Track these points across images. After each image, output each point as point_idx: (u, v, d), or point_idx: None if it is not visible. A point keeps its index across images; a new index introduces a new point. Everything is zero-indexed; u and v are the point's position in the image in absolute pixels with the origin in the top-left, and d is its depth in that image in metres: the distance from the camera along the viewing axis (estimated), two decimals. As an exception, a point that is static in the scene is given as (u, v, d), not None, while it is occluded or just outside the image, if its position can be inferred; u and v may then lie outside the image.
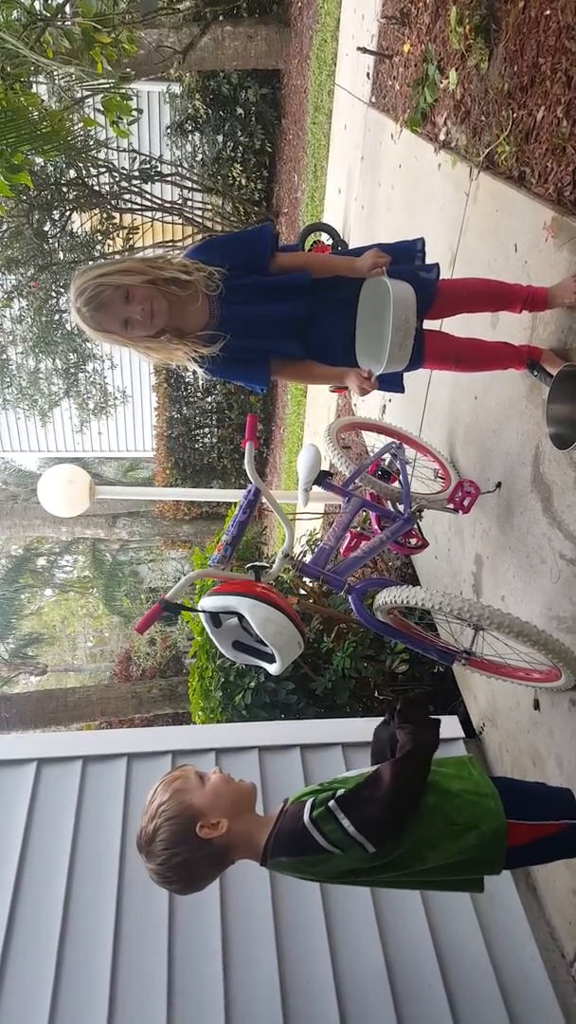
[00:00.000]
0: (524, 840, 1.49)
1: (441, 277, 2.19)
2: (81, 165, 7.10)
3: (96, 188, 7.77)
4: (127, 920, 2.18)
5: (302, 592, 3.66)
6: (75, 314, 1.96)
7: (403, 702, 1.39)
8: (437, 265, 2.19)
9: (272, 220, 8.96)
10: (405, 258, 2.18)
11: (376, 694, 3.34)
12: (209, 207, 8.98)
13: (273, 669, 1.80)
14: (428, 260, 2.23)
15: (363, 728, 2.79)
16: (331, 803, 1.36)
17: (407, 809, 1.38)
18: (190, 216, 8.64)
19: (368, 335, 2.17)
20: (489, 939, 2.16)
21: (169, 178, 8.55)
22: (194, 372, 2.16)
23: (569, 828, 1.54)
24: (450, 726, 2.81)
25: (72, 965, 2.08)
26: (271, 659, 1.78)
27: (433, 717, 1.50)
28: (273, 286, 2.08)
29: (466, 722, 2.89)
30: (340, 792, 1.39)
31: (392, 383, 2.33)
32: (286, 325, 2.12)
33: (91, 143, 6.84)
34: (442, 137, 3.35)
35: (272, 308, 2.08)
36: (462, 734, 2.77)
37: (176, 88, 8.75)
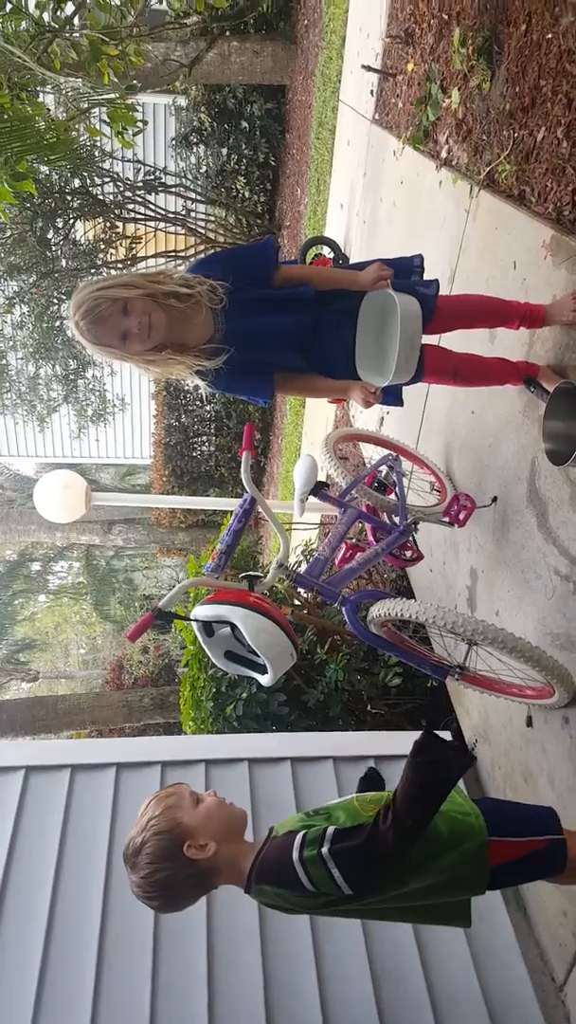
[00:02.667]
0: (507, 858, 1.49)
1: (440, 293, 2.20)
2: (86, 174, 7.14)
3: (100, 197, 7.82)
4: (112, 931, 2.16)
5: (296, 603, 3.66)
6: (74, 329, 1.96)
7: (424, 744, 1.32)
8: (436, 281, 2.20)
9: (275, 233, 9.02)
10: (403, 273, 2.20)
11: (369, 707, 3.33)
12: (212, 219, 9.04)
13: (265, 680, 1.79)
14: (427, 276, 2.25)
15: (355, 742, 2.78)
16: (324, 850, 1.32)
17: (399, 865, 1.36)
18: (193, 227, 8.69)
19: (370, 348, 2.18)
20: (478, 961, 2.14)
21: (173, 189, 8.61)
22: (187, 381, 2.16)
23: (551, 844, 1.53)
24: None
25: (55, 977, 2.06)
26: (263, 670, 1.77)
27: (449, 749, 1.36)
28: (278, 300, 2.09)
29: (458, 737, 2.88)
30: (333, 834, 1.34)
31: (391, 396, 2.34)
32: (291, 338, 2.13)
33: (96, 153, 6.90)
34: (444, 155, 3.39)
35: (277, 321, 2.09)
36: (454, 749, 2.75)
37: (182, 101, 8.83)
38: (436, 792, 1.34)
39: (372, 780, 1.73)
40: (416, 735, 1.39)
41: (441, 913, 1.56)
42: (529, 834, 1.53)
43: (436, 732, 1.36)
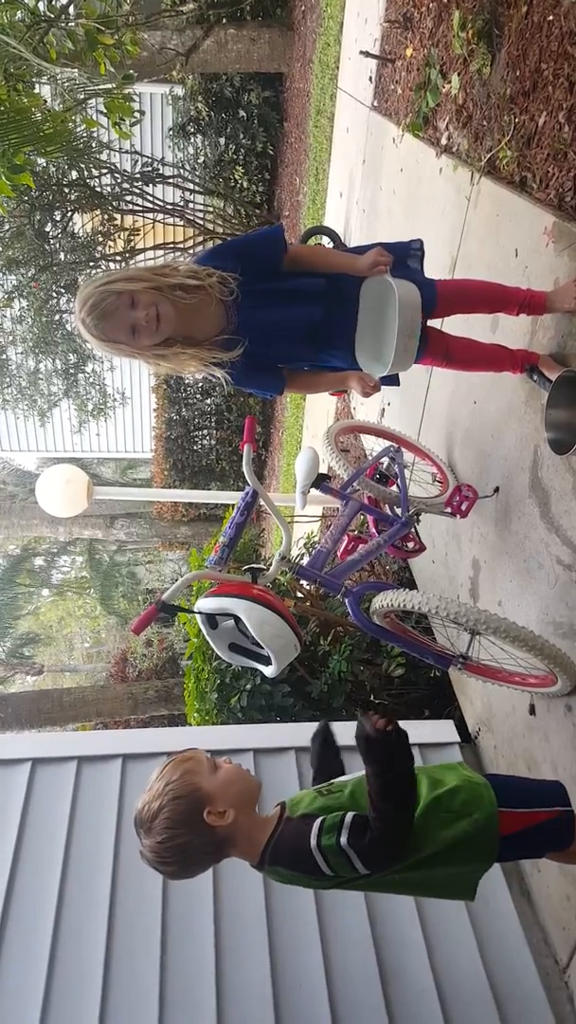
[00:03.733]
0: (516, 828, 1.51)
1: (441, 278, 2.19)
2: (83, 166, 7.10)
3: (98, 189, 7.78)
4: (120, 922, 2.17)
5: (299, 595, 3.66)
6: (81, 328, 1.92)
7: (370, 738, 1.31)
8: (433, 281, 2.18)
9: (274, 222, 8.97)
10: (401, 258, 2.16)
11: (372, 698, 3.34)
12: (211, 209, 8.99)
13: (269, 672, 1.80)
14: (428, 263, 2.23)
15: (359, 731, 2.79)
16: (344, 840, 1.33)
17: (407, 835, 1.37)
18: (191, 218, 8.64)
19: (369, 335, 2.15)
20: (482, 944, 2.16)
21: (171, 180, 8.56)
22: (193, 375, 2.13)
23: (560, 816, 1.55)
24: (446, 731, 2.80)
25: (64, 966, 2.08)
26: (267, 661, 1.78)
27: (390, 737, 1.34)
28: (289, 291, 2.05)
29: (462, 727, 2.88)
30: (352, 822, 1.34)
31: (389, 377, 2.32)
32: (303, 331, 2.10)
33: (93, 144, 6.85)
34: (444, 141, 3.36)
35: (289, 314, 2.06)
36: (458, 739, 2.77)
37: (179, 90, 8.77)
38: (398, 763, 1.34)
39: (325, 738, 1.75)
40: (411, 725, 1.41)
41: (447, 887, 1.58)
42: (538, 805, 1.56)
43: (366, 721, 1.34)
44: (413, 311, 1.98)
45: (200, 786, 1.42)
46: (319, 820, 1.39)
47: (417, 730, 2.77)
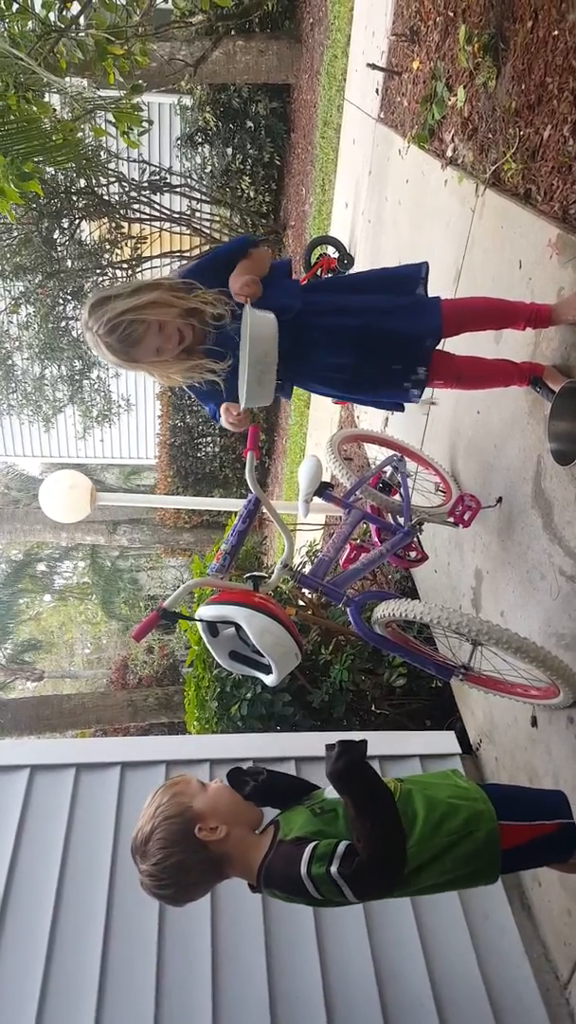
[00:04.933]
0: (519, 841, 1.49)
1: (446, 295, 2.18)
2: (91, 175, 7.15)
3: (106, 197, 7.83)
4: (116, 930, 2.16)
5: (300, 603, 3.65)
6: (101, 347, 1.92)
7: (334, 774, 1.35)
8: (437, 298, 2.15)
9: (279, 233, 9.02)
10: (409, 287, 2.13)
11: (373, 708, 3.33)
12: (217, 219, 9.04)
13: (269, 680, 1.79)
14: (433, 274, 2.22)
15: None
16: (334, 870, 1.32)
17: (399, 865, 1.37)
18: (198, 227, 8.69)
19: (243, 363, 2.01)
20: (482, 959, 2.14)
21: (178, 189, 8.62)
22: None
23: (563, 828, 1.53)
24: (447, 742, 2.79)
25: (60, 974, 2.06)
26: (268, 670, 1.77)
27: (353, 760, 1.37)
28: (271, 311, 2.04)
29: (463, 738, 2.87)
30: (344, 852, 1.33)
31: (393, 402, 2.32)
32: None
33: (102, 153, 6.90)
34: (449, 153, 3.38)
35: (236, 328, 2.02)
36: (459, 750, 2.75)
37: (187, 100, 8.83)
38: (369, 790, 1.37)
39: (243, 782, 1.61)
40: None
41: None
42: (540, 818, 1.54)
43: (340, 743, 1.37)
44: (266, 343, 1.87)
45: (190, 805, 1.44)
46: (311, 846, 1.38)
47: (418, 741, 2.76)
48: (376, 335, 2.09)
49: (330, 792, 1.54)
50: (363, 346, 2.10)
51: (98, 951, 2.10)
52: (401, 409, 2.36)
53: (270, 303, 1.96)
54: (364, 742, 1.38)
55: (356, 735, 1.41)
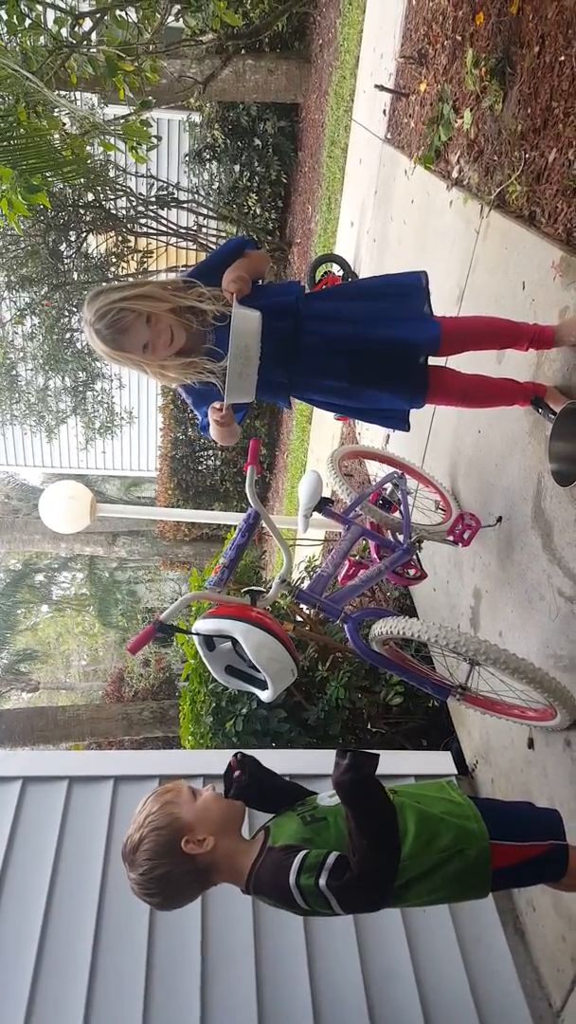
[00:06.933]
0: (509, 862, 1.47)
1: (450, 315, 2.19)
2: (99, 189, 7.22)
3: (113, 211, 7.90)
4: (106, 943, 2.14)
5: (298, 619, 3.64)
6: (93, 335, 1.94)
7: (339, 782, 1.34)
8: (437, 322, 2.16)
9: (285, 250, 9.09)
10: (415, 297, 2.13)
11: (369, 726, 3.30)
12: (224, 235, 9.12)
13: (265, 696, 1.78)
14: (437, 294, 2.23)
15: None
16: (323, 882, 1.30)
17: (389, 881, 1.35)
18: (204, 243, 8.77)
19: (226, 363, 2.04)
20: (474, 984, 2.11)
21: (185, 204, 8.70)
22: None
23: (555, 849, 1.51)
24: (443, 762, 2.76)
25: (48, 988, 2.04)
26: (264, 686, 1.76)
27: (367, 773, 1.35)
28: (265, 309, 2.03)
29: (459, 759, 2.84)
30: (334, 864, 1.31)
31: (397, 421, 2.32)
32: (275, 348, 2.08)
33: (110, 168, 6.97)
34: (455, 175, 3.41)
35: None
36: (455, 770, 2.73)
37: (196, 117, 8.94)
38: (372, 807, 1.34)
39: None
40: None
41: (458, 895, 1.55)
42: (532, 838, 1.52)
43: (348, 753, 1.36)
44: (248, 337, 1.89)
45: (179, 816, 1.43)
46: (301, 855, 1.36)
47: (414, 761, 2.74)
48: (370, 342, 2.09)
49: (324, 800, 1.52)
50: (358, 353, 2.11)
51: (87, 964, 2.07)
52: (406, 428, 2.35)
53: (270, 299, 1.99)
54: (376, 756, 1.35)
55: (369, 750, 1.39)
